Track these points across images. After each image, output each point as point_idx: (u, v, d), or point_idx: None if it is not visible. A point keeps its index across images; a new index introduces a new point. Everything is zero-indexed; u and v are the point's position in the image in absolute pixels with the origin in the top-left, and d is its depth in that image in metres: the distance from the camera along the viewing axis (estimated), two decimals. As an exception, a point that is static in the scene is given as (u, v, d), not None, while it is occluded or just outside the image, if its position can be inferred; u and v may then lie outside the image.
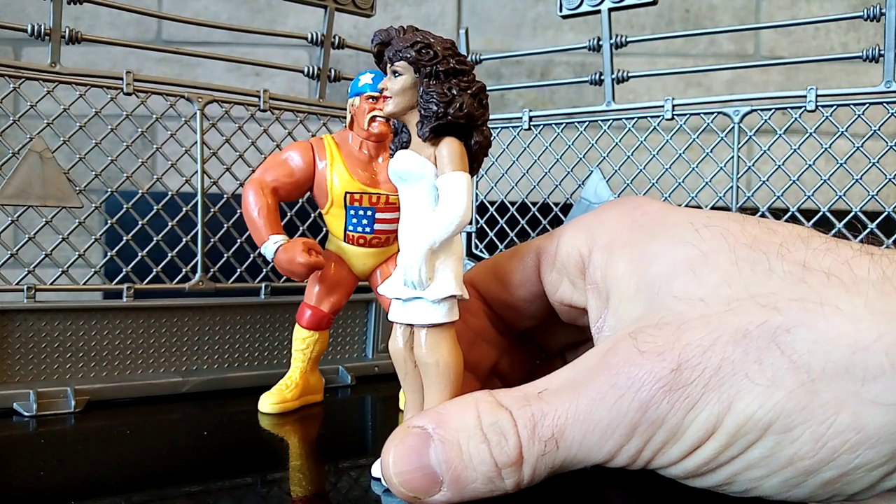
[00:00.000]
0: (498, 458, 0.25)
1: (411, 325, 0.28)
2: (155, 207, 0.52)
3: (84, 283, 0.49)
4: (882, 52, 0.48)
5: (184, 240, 0.52)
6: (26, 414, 0.42)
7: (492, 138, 0.32)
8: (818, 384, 0.22)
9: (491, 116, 0.65)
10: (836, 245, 0.25)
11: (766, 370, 0.22)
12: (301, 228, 0.57)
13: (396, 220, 0.32)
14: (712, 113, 0.54)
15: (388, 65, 0.29)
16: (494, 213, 0.65)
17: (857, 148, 0.49)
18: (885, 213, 0.47)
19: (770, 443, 0.23)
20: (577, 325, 0.33)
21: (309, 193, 0.46)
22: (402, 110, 0.28)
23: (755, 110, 0.52)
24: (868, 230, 0.48)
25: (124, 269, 0.50)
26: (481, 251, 0.66)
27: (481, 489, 0.25)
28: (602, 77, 0.59)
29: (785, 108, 0.51)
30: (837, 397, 0.22)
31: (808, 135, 0.51)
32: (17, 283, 0.46)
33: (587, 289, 0.30)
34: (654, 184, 0.57)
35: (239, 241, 0.54)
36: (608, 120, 0.59)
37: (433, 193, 0.28)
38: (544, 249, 0.32)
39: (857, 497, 0.23)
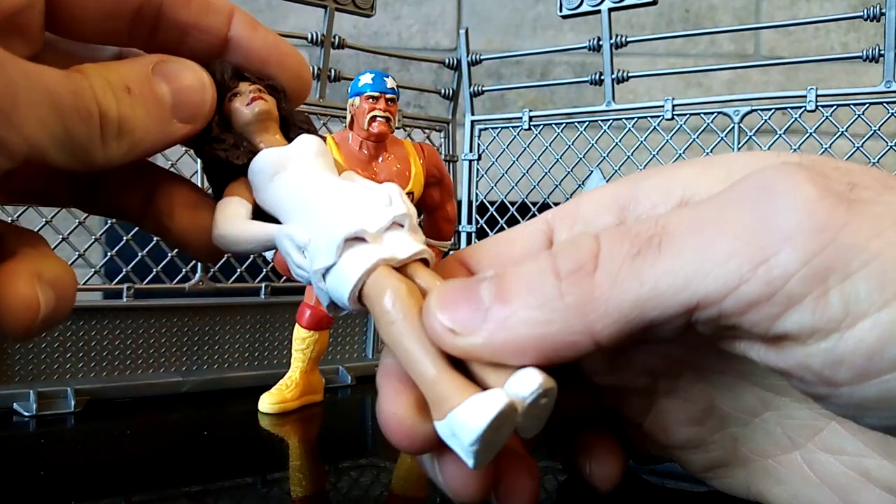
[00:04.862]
0: (563, 265, 0.18)
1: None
2: (155, 207, 0.52)
3: (84, 283, 0.49)
4: (882, 52, 0.48)
5: (184, 240, 0.52)
6: (26, 414, 0.42)
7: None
8: None
9: (491, 116, 0.65)
10: None
11: None
12: (301, 228, 0.57)
13: None
14: (712, 113, 0.54)
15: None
16: (494, 213, 0.65)
17: (857, 148, 0.49)
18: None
19: None
20: None
21: (309, 193, 0.46)
22: None
23: (755, 110, 0.52)
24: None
25: (124, 269, 0.50)
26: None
27: (534, 316, 0.18)
28: (602, 77, 0.59)
29: (785, 108, 0.51)
30: None
31: (808, 135, 0.51)
32: (17, 283, 0.46)
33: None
34: (654, 184, 0.57)
35: (239, 241, 0.54)
36: (608, 120, 0.59)
37: None
38: (559, 213, 0.26)
39: None
